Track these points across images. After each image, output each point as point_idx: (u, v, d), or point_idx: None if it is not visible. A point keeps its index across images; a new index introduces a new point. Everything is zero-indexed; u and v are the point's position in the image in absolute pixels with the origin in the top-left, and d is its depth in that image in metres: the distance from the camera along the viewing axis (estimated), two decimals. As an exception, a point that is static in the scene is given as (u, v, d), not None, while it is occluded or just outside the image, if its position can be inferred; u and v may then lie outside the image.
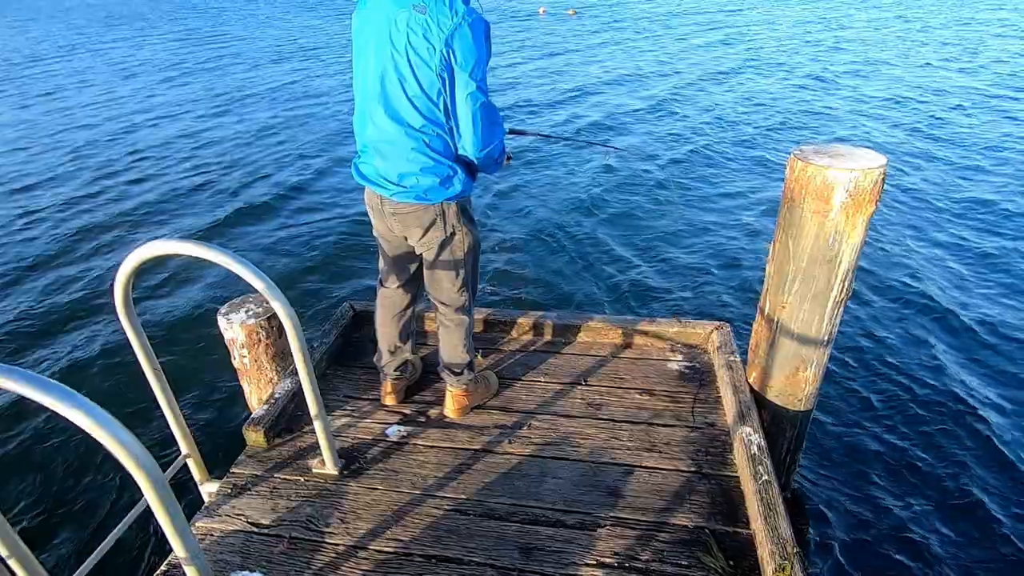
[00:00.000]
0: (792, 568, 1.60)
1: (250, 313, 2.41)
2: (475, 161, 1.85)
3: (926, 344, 4.01)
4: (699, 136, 8.98)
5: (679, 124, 9.64)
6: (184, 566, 1.40)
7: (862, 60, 14.31)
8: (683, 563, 1.75)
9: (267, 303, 2.47)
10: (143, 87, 12.94)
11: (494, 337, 2.86)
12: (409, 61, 1.68)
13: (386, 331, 2.35)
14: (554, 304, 4.66)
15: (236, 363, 2.50)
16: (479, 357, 2.66)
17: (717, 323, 2.72)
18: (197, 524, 1.94)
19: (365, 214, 2.11)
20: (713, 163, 7.85)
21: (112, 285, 1.73)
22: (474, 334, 2.85)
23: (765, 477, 1.89)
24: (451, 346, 2.23)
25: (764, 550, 1.69)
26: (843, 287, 1.98)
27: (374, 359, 2.45)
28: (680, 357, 2.66)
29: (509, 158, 2.04)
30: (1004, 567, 2.56)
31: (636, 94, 11.58)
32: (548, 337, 2.83)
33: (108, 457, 3.18)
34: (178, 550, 1.39)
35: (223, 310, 2.44)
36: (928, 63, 13.81)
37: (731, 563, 1.73)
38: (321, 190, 7.40)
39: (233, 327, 2.38)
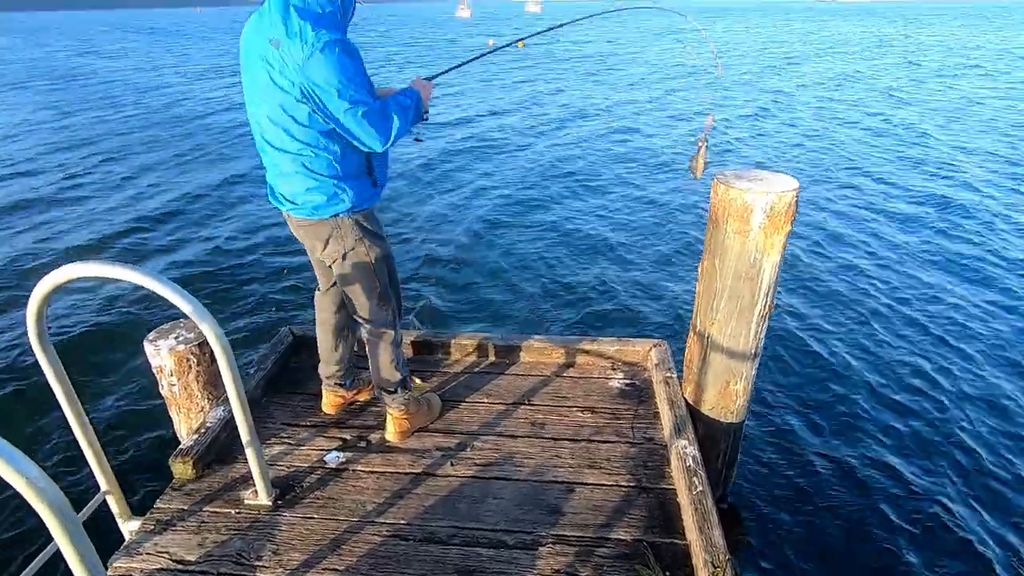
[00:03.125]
0: (728, 569, 1.64)
1: (180, 339, 2.31)
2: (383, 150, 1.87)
3: (848, 352, 4.29)
4: (631, 159, 9.53)
5: (614, 148, 10.24)
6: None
7: (786, 91, 15.39)
8: (622, 577, 1.77)
9: (198, 328, 2.38)
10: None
11: (437, 359, 2.85)
12: (275, 93, 1.70)
13: (320, 336, 2.36)
14: (492, 323, 4.74)
15: (164, 392, 2.39)
16: (420, 381, 2.64)
17: (655, 341, 2.80)
18: (115, 564, 1.82)
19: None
20: (645, 187, 8.29)
21: (24, 311, 1.63)
22: (414, 356, 2.85)
23: (700, 488, 1.95)
24: (378, 362, 2.21)
25: (698, 559, 1.73)
26: (766, 302, 2.10)
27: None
28: (620, 375, 2.72)
29: (426, 112, 2.02)
30: (939, 570, 2.71)
31: (568, 125, 12.14)
32: (491, 358, 2.84)
33: (17, 495, 2.96)
34: (88, 589, 1.30)
35: (150, 337, 2.34)
36: (843, 91, 15.08)
37: (668, 574, 1.76)
38: (255, 211, 7.31)
39: (161, 354, 2.27)
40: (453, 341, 2.87)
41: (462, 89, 16.32)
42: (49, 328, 1.71)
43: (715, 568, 1.66)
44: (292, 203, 1.92)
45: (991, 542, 2.81)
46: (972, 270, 5.53)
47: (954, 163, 8.99)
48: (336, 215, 1.92)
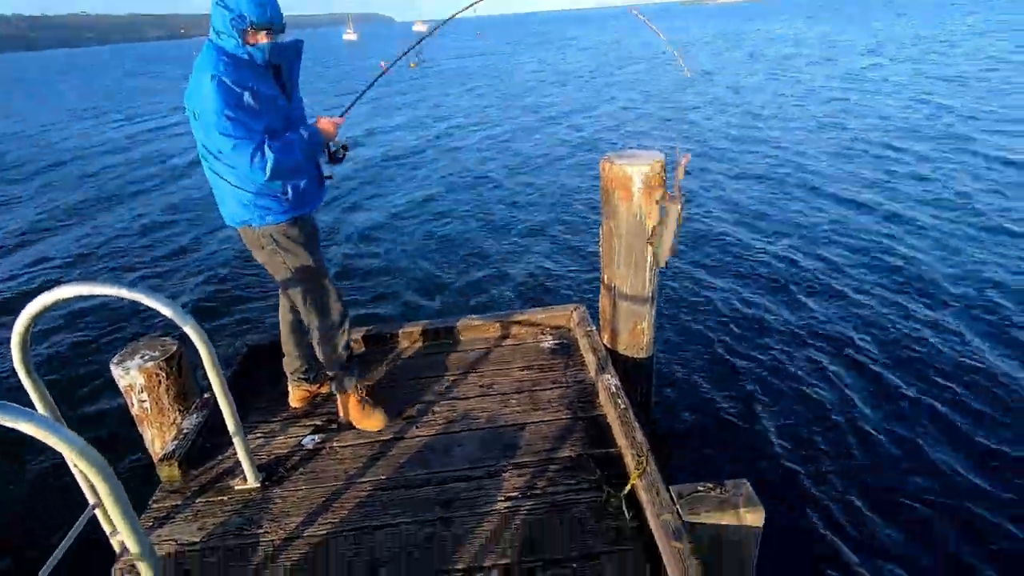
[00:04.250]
0: (647, 462, 2.10)
1: (146, 357, 2.49)
2: (268, 185, 2.09)
3: (734, 289, 5.17)
4: (532, 150, 10.49)
5: (513, 146, 11.13)
6: (137, 562, 1.54)
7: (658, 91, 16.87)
8: (571, 482, 2.18)
9: (163, 346, 2.57)
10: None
11: (387, 349, 3.16)
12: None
13: (283, 333, 2.62)
14: (433, 309, 5.20)
15: (135, 410, 2.54)
16: (375, 367, 2.94)
17: (575, 305, 3.27)
18: (123, 559, 2.00)
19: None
20: (544, 171, 9.31)
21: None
22: (367, 349, 3.14)
23: (623, 406, 2.41)
24: (321, 354, 2.47)
25: (627, 455, 2.18)
26: (655, 255, 2.61)
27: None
28: (550, 337, 3.16)
29: (345, 148, 2.33)
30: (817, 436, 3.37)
31: (468, 124, 12.92)
32: (435, 340, 3.19)
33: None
34: (132, 547, 1.53)
35: (116, 360, 2.49)
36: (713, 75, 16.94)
37: (606, 473, 2.20)
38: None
39: (130, 374, 2.44)
40: (400, 331, 3.20)
41: (364, 112, 16.53)
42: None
43: (639, 458, 2.12)
44: (223, 213, 2.22)
45: (858, 408, 3.52)
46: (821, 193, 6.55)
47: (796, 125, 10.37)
48: (249, 224, 2.19)
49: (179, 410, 2.59)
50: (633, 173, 2.45)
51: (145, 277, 6.45)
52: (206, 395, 2.63)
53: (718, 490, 1.97)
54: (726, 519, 1.91)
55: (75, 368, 4.66)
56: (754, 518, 1.89)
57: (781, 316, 4.72)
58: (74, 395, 4.30)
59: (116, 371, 2.45)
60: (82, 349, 4.94)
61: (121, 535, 1.56)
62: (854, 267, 5.40)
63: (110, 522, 2.19)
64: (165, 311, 1.89)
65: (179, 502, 2.23)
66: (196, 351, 1.97)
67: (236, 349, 3.13)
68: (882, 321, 4.50)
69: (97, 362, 4.65)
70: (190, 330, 1.93)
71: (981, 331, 4.29)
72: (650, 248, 2.56)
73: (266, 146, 1.99)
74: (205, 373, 2.03)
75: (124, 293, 1.84)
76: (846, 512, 3.00)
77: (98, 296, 1.79)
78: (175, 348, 2.55)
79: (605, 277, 2.77)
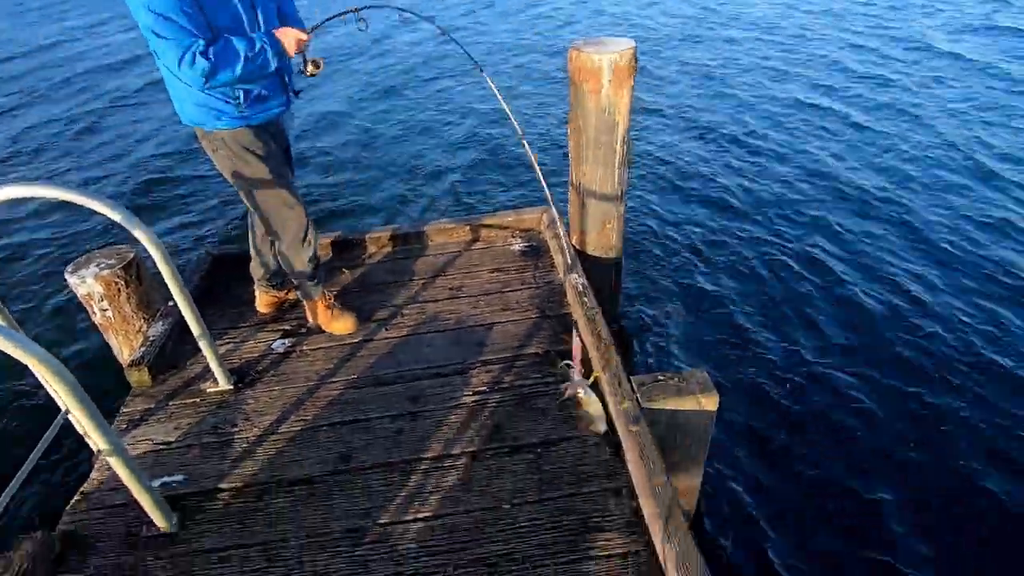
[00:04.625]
0: (611, 356, 2.16)
1: (102, 266, 2.42)
2: (213, 88, 1.94)
3: (701, 188, 5.19)
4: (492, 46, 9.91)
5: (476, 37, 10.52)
6: (108, 458, 1.58)
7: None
8: (536, 375, 2.25)
9: (118, 254, 2.49)
10: None
11: (355, 255, 3.12)
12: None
13: (250, 238, 2.56)
14: (401, 215, 5.13)
15: (97, 319, 2.51)
16: (344, 271, 2.92)
17: (544, 208, 3.22)
18: (101, 459, 2.05)
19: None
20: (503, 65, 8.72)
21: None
22: (335, 255, 3.10)
23: (589, 305, 2.44)
24: (283, 264, 2.43)
25: (591, 348, 2.24)
26: (624, 150, 2.54)
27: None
28: (520, 240, 3.14)
29: (316, 64, 2.14)
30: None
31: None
32: (404, 245, 3.15)
33: None
34: (101, 444, 1.56)
35: (70, 269, 2.42)
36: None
37: (567, 362, 2.27)
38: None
39: (87, 282, 2.38)
40: (368, 236, 3.14)
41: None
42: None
43: (604, 352, 2.18)
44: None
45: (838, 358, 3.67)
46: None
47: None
48: (202, 127, 2.06)
49: (144, 318, 2.56)
50: (602, 62, 2.31)
51: (90, 181, 6.07)
52: (170, 303, 2.60)
53: (676, 379, 2.05)
54: (683, 404, 2.01)
55: (21, 277, 4.51)
56: (709, 402, 1.99)
57: (747, 214, 4.77)
58: (29, 305, 4.19)
59: (72, 279, 2.38)
60: (26, 257, 4.77)
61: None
62: (821, 159, 5.40)
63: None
64: (114, 215, 1.81)
65: (151, 405, 2.26)
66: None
67: (200, 258, 3.05)
68: (847, 221, 4.56)
69: (47, 271, 4.53)
70: (140, 233, 1.86)
71: (944, 224, 4.40)
72: (619, 143, 2.49)
73: (198, 51, 1.79)
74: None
75: (68, 195, 1.75)
76: (796, 400, 3.19)
77: (39, 199, 1.70)
78: (132, 256, 2.48)
79: (573, 176, 2.71)
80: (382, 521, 1.77)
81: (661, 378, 2.05)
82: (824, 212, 4.70)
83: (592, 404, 1.58)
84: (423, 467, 1.93)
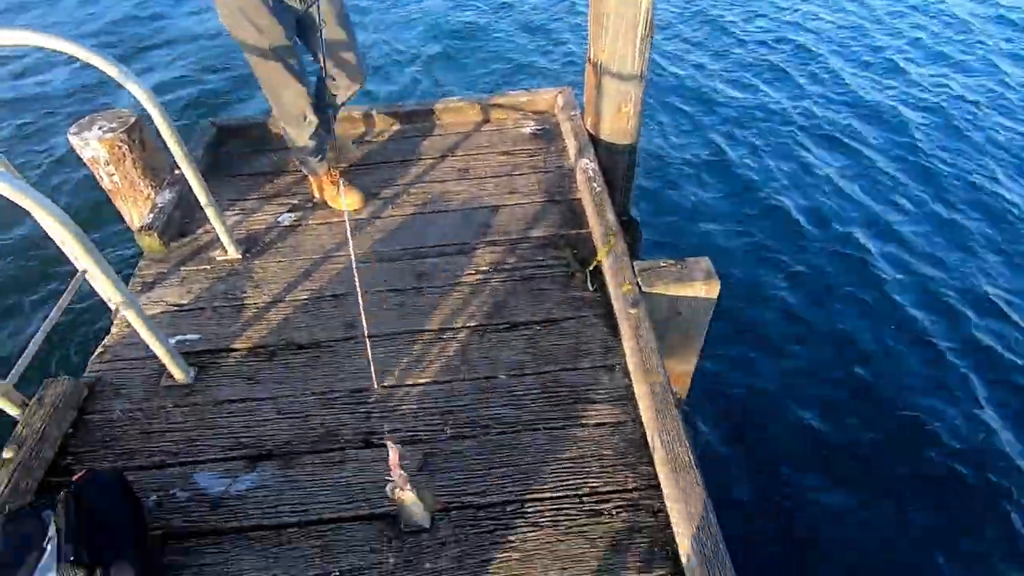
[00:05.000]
0: (615, 239, 2.14)
1: (104, 128, 2.37)
2: None
3: (725, 71, 4.90)
4: None
5: None
6: (125, 311, 1.64)
7: None
8: (540, 259, 2.26)
9: (120, 118, 2.43)
10: None
11: (360, 131, 3.02)
12: None
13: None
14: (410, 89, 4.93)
15: (105, 184, 2.50)
16: (351, 147, 2.85)
17: (560, 88, 3.05)
18: (120, 315, 2.14)
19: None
20: None
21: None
22: (340, 133, 3.00)
23: (598, 190, 2.39)
24: (284, 133, 2.36)
25: (596, 233, 2.22)
26: (647, 21, 2.34)
27: None
28: (532, 122, 3.01)
29: None
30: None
31: None
32: (412, 123, 3.04)
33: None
34: (115, 297, 1.62)
35: (72, 130, 2.38)
36: None
37: (575, 251, 2.27)
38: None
39: (90, 145, 2.34)
40: (374, 113, 3.02)
41: None
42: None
43: (608, 236, 2.16)
44: None
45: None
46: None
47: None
48: None
49: (151, 185, 2.56)
50: (632, -85, 2.07)
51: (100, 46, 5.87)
52: (176, 171, 2.57)
53: (679, 266, 2.05)
54: (684, 291, 2.02)
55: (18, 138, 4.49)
56: (709, 289, 1.99)
57: (777, 101, 4.51)
58: (33, 166, 4.20)
59: (75, 141, 2.35)
60: (25, 113, 4.71)
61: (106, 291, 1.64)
62: (847, 51, 5.00)
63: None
64: (109, 69, 1.75)
65: (164, 270, 2.32)
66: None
67: (203, 127, 2.98)
68: (875, 106, 4.31)
69: (46, 127, 4.48)
70: (136, 88, 1.80)
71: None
72: (642, 13, 2.29)
73: None
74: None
75: (65, 46, 1.67)
76: (799, 294, 3.21)
77: (27, 47, 1.62)
78: (133, 119, 2.42)
79: (592, 53, 2.53)
80: (386, 384, 1.86)
81: (663, 264, 2.05)
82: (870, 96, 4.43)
83: (408, 497, 1.37)
84: (426, 338, 2.00)
